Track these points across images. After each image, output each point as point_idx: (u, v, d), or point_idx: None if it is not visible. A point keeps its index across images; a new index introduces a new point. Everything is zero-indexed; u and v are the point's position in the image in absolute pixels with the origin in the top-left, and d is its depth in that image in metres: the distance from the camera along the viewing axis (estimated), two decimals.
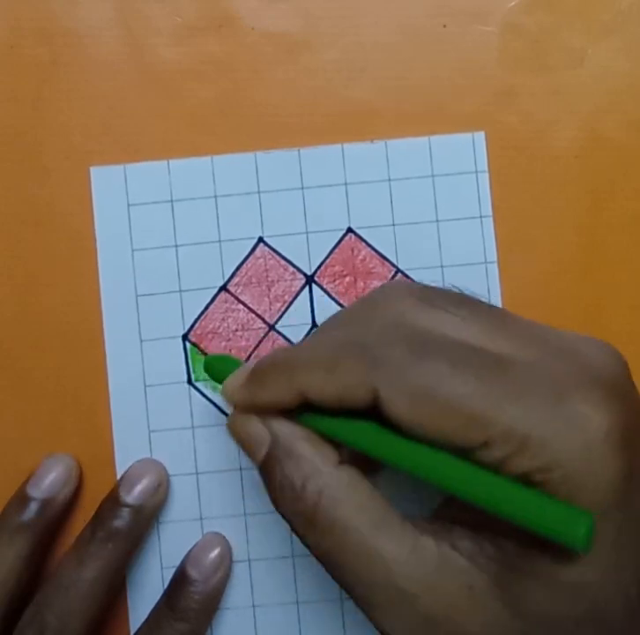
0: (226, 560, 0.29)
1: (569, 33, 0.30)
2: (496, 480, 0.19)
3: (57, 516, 0.29)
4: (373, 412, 0.21)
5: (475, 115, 0.30)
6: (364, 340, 0.21)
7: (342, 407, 0.21)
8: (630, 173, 0.30)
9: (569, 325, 0.30)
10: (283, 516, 0.22)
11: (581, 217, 0.30)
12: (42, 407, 0.30)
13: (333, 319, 0.24)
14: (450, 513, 0.22)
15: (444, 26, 0.30)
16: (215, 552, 0.29)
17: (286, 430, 0.22)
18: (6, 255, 0.30)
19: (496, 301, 0.30)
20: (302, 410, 0.22)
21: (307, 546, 0.22)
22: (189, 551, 0.29)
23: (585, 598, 0.20)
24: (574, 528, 0.18)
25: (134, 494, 0.28)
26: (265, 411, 0.23)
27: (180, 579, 0.29)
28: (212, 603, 0.29)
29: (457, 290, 0.23)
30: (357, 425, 0.21)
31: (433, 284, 0.24)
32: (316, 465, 0.21)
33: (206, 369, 0.27)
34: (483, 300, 0.23)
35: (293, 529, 0.22)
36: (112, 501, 0.29)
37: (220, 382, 0.25)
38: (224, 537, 0.30)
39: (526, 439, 0.19)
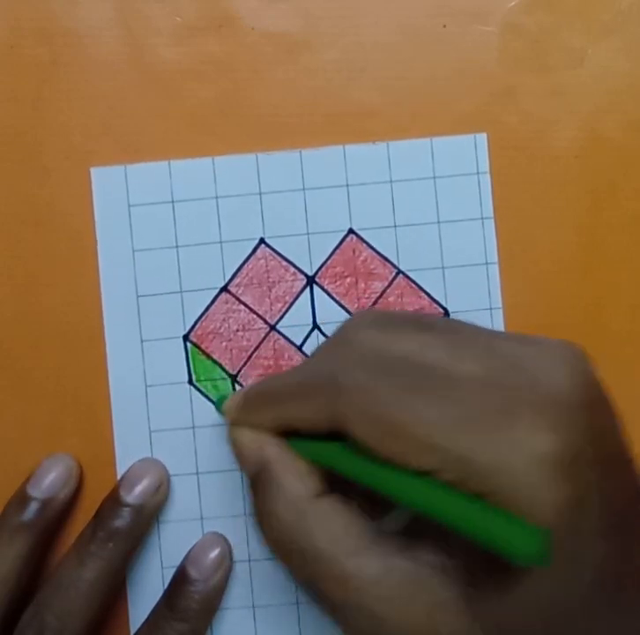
0: (227, 560, 0.29)
1: (569, 33, 0.30)
2: (451, 497, 0.20)
3: (57, 516, 0.29)
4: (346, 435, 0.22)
5: (475, 115, 0.30)
6: (328, 370, 0.23)
7: (319, 432, 0.23)
8: (630, 173, 0.30)
9: (569, 325, 0.30)
10: (263, 538, 0.23)
11: (581, 217, 0.30)
12: (42, 406, 0.30)
13: (314, 351, 0.26)
14: (421, 526, 0.22)
15: (444, 26, 0.30)
16: (215, 552, 0.29)
17: (275, 456, 0.24)
18: (6, 255, 0.30)
19: (496, 301, 0.30)
20: (288, 433, 0.24)
21: (288, 571, 0.23)
22: (190, 551, 0.29)
23: (545, 610, 0.20)
24: (527, 544, 0.19)
25: (134, 494, 0.29)
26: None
27: (180, 579, 0.29)
28: (212, 603, 0.29)
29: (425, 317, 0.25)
30: (329, 447, 0.23)
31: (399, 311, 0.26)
32: (294, 496, 0.23)
33: (218, 407, 0.29)
34: (450, 320, 0.24)
35: (273, 553, 0.23)
36: (112, 501, 0.29)
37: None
38: (224, 537, 0.30)
39: (471, 467, 0.20)
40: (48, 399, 0.30)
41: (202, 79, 0.30)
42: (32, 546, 0.28)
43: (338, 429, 0.22)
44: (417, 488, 0.20)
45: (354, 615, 0.22)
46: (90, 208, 0.30)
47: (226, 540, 0.30)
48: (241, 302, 0.30)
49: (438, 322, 0.24)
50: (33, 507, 0.28)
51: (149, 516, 0.29)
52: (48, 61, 0.30)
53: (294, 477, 0.23)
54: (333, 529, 0.22)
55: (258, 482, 0.24)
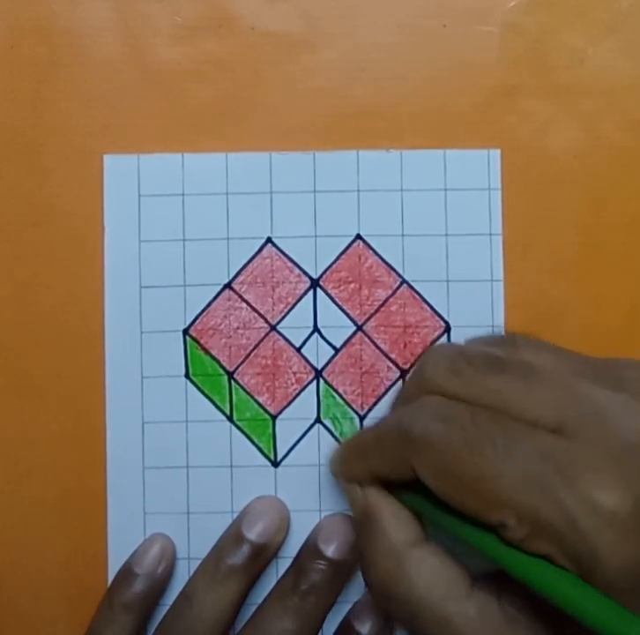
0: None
1: (569, 33, 0.30)
2: (517, 555, 0.20)
3: (268, 563, 0.29)
4: None
5: (474, 115, 0.30)
6: (402, 421, 0.23)
7: (403, 481, 0.23)
8: (630, 173, 0.30)
9: (569, 325, 0.30)
10: (364, 579, 0.24)
11: (581, 217, 0.30)
12: (42, 406, 0.30)
13: (397, 392, 0.27)
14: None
15: (444, 26, 0.30)
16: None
17: (378, 504, 0.24)
18: (6, 255, 0.30)
19: (498, 308, 0.30)
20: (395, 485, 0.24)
21: (388, 612, 0.24)
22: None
23: None
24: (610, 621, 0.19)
25: (332, 548, 0.29)
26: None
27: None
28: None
29: (499, 340, 0.25)
30: (416, 496, 0.24)
31: (476, 338, 0.26)
32: (394, 544, 0.23)
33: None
34: (531, 354, 0.24)
35: (372, 595, 0.24)
36: (312, 553, 0.29)
37: None
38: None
39: (538, 525, 0.19)
40: (48, 396, 0.30)
41: (202, 79, 0.30)
42: (243, 591, 0.28)
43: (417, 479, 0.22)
44: (487, 541, 0.21)
45: None
46: (90, 207, 0.30)
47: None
48: (243, 299, 0.30)
49: (511, 362, 0.23)
50: (248, 550, 0.28)
51: (347, 574, 0.29)
52: (48, 61, 0.30)
53: (395, 525, 0.24)
54: (431, 576, 0.23)
55: (363, 528, 0.25)
